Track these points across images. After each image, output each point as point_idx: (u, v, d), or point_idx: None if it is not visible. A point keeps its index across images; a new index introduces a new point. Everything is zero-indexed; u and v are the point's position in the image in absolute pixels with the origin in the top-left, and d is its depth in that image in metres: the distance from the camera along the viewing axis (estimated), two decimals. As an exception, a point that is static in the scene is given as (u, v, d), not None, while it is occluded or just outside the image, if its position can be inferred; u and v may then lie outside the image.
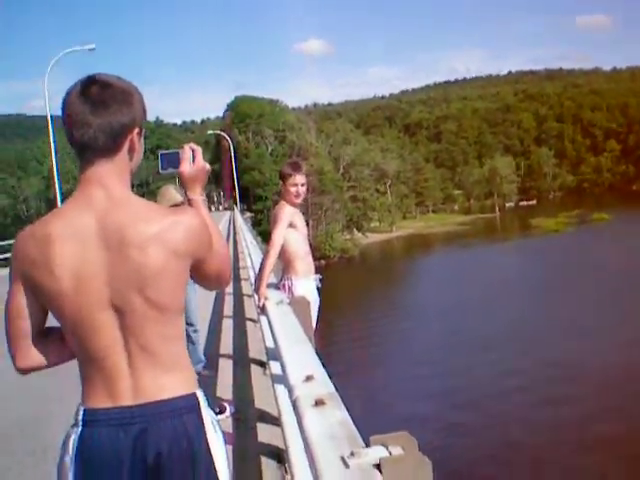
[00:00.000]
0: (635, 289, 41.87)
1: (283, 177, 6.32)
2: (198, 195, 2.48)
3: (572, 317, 35.85)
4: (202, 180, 2.50)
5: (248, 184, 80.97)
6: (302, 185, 6.28)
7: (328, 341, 27.78)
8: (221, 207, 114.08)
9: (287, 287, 6.15)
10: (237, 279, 16.50)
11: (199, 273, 2.28)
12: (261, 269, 6.19)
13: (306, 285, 6.22)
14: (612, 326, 33.45)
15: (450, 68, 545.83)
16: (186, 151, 2.49)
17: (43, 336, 2.24)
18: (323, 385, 2.76)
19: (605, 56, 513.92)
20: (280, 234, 6.03)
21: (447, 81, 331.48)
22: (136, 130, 2.20)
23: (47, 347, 2.24)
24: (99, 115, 2.09)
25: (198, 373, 7.84)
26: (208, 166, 2.53)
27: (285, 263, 6.28)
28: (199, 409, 2.17)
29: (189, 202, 2.48)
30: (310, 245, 6.54)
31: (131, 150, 2.21)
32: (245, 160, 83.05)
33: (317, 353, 3.57)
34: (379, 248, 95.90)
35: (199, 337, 7.94)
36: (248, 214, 72.80)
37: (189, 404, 2.15)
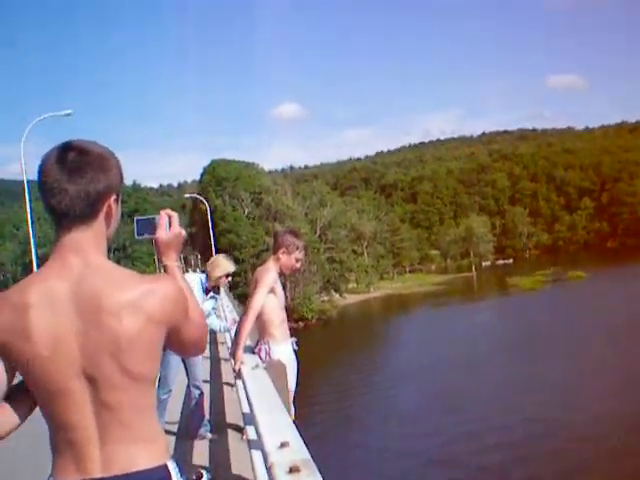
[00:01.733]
0: (612, 345, 42.04)
1: (287, 246, 6.27)
2: (173, 262, 2.47)
3: (550, 375, 35.81)
4: (178, 246, 2.49)
5: (225, 247, 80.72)
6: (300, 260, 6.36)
7: (307, 402, 27.48)
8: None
9: (264, 351, 6.11)
10: (214, 342, 16.38)
11: (175, 341, 2.25)
12: (238, 333, 6.15)
13: (283, 349, 6.19)
14: (589, 381, 33.56)
15: (424, 130, 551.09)
16: (162, 217, 2.48)
17: (9, 398, 2.16)
18: (298, 452, 2.74)
19: (577, 115, 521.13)
20: (260, 299, 6.01)
21: (422, 142, 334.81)
22: (113, 197, 2.19)
23: (16, 405, 2.17)
24: (76, 182, 2.08)
25: (203, 437, 7.94)
26: (184, 232, 2.52)
27: (261, 328, 6.25)
28: None
29: (164, 268, 2.47)
30: (287, 307, 6.54)
31: (108, 216, 2.20)
32: (222, 223, 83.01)
33: (294, 419, 3.54)
34: (357, 309, 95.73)
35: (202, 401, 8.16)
36: (226, 277, 72.66)
37: (161, 476, 2.11)
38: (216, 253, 70.70)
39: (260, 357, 6.02)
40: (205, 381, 12.21)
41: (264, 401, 4.07)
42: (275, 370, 5.13)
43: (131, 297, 2.06)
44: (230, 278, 8.17)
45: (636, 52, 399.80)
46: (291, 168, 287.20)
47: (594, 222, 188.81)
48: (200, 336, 2.35)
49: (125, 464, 2.06)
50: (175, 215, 2.51)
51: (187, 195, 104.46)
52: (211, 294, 8.17)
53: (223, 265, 8.02)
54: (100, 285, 2.07)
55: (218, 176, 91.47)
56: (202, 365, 7.99)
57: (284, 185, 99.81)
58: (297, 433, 3.12)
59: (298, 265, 6.35)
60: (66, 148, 2.14)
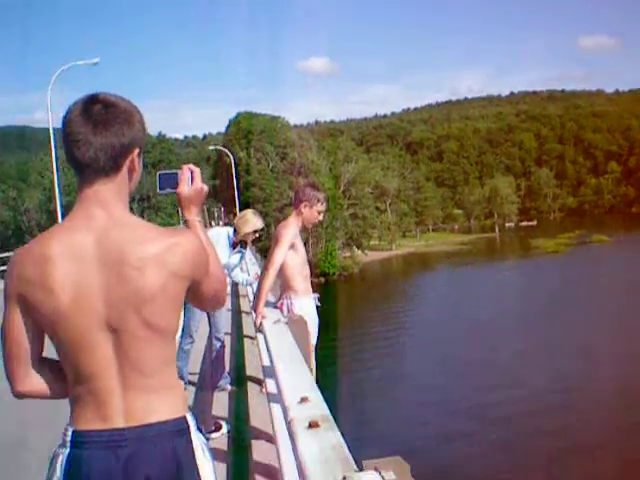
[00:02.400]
0: (633, 309, 41.91)
1: (309, 199, 6.26)
2: (194, 216, 2.49)
3: (570, 336, 35.80)
4: (199, 202, 2.51)
5: (249, 200, 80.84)
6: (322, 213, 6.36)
7: (328, 360, 27.62)
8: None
9: (286, 306, 6.14)
10: (236, 295, 16.45)
11: (195, 295, 2.28)
12: (259, 288, 6.16)
13: (305, 304, 6.21)
14: (612, 345, 33.48)
15: (452, 88, 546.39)
16: (184, 172, 2.50)
17: (42, 363, 2.22)
18: (318, 407, 2.76)
19: (608, 78, 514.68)
20: (281, 254, 6.00)
21: (449, 101, 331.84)
22: (136, 151, 2.20)
23: (46, 376, 2.22)
24: (101, 135, 2.09)
25: (223, 389, 8.04)
26: (206, 187, 2.53)
27: (284, 283, 6.27)
28: (189, 433, 2.16)
29: (185, 223, 2.49)
30: (310, 262, 6.55)
31: (131, 170, 2.21)
32: (246, 176, 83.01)
33: (314, 373, 3.56)
34: (379, 266, 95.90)
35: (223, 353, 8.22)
36: (248, 230, 72.78)
37: (179, 428, 2.15)
38: (239, 206, 70.95)
39: (282, 312, 6.05)
40: (227, 333, 12.28)
41: (285, 355, 4.10)
42: (297, 325, 5.15)
43: (154, 251, 2.08)
44: (258, 234, 8.18)
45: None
46: (317, 122, 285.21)
47: (620, 186, 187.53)
48: (220, 290, 2.39)
49: (145, 414, 2.10)
50: (197, 170, 2.52)
51: (212, 147, 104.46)
52: (238, 249, 8.19)
53: (252, 221, 8.03)
54: (124, 239, 2.09)
55: (243, 129, 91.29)
56: (225, 317, 8.06)
57: (309, 140, 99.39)
58: (317, 389, 3.14)
59: (320, 217, 6.37)
60: (92, 100, 2.15)
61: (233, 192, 69.33)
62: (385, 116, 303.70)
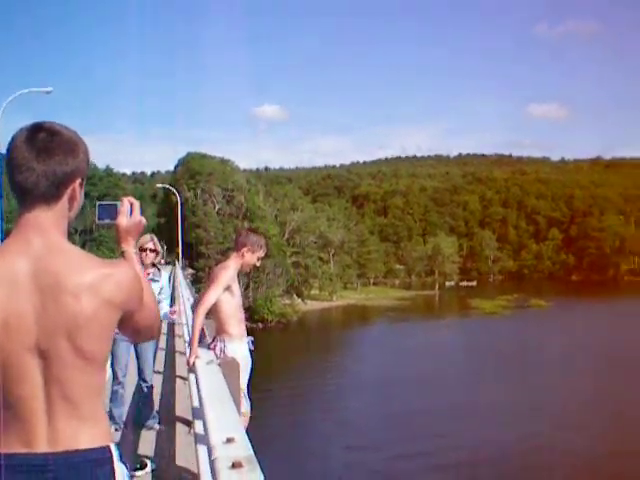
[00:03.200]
0: (566, 373, 42.56)
1: (252, 245, 6.35)
2: (131, 248, 2.54)
3: (501, 400, 36.12)
4: (137, 234, 2.56)
5: (192, 240, 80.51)
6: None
7: (256, 405, 27.46)
8: (163, 261, 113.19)
9: (219, 348, 6.15)
10: (172, 335, 16.33)
11: (128, 325, 2.31)
12: (192, 329, 6.20)
13: (239, 347, 6.23)
14: (544, 407, 33.96)
15: (401, 145, 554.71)
16: (124, 204, 2.54)
17: None
18: (242, 448, 2.79)
19: (555, 146, 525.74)
20: (215, 295, 6.07)
21: (398, 157, 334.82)
22: (78, 180, 2.24)
23: None
24: (44, 162, 2.13)
25: (151, 428, 7.91)
26: (144, 220, 2.58)
27: (218, 325, 6.30)
28: (112, 462, 2.17)
29: (122, 254, 2.53)
30: (249, 308, 6.61)
31: (72, 199, 2.24)
32: (191, 217, 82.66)
33: (246, 415, 3.58)
34: (318, 316, 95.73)
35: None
36: (190, 270, 72.34)
37: (103, 456, 2.16)
38: (182, 246, 70.32)
39: (215, 353, 6.06)
40: (158, 372, 12.20)
41: (215, 396, 4.11)
42: (229, 367, 5.17)
43: (90, 279, 2.11)
44: (161, 260, 7.92)
45: (619, 87, 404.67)
46: (266, 169, 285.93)
47: (560, 254, 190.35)
48: (152, 323, 2.43)
49: (70, 441, 2.11)
50: (137, 203, 2.58)
51: (159, 185, 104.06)
52: (150, 276, 7.84)
53: (140, 240, 7.56)
54: (60, 265, 2.11)
55: (192, 169, 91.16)
56: (152, 358, 7.99)
57: (257, 185, 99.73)
58: (243, 430, 3.17)
59: (258, 263, 6.45)
60: (37, 128, 2.19)
61: (177, 232, 69.04)
62: (334, 167, 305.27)
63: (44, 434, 2.10)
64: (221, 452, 2.74)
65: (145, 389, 8.06)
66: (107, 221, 2.56)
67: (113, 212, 2.54)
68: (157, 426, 8.14)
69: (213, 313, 6.25)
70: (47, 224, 2.17)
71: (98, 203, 2.57)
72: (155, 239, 7.57)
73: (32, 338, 2.07)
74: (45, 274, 2.09)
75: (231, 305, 6.21)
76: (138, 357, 8.03)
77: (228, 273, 6.19)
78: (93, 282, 2.11)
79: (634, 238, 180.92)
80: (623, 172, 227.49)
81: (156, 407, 8.42)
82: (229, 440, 2.86)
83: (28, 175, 2.13)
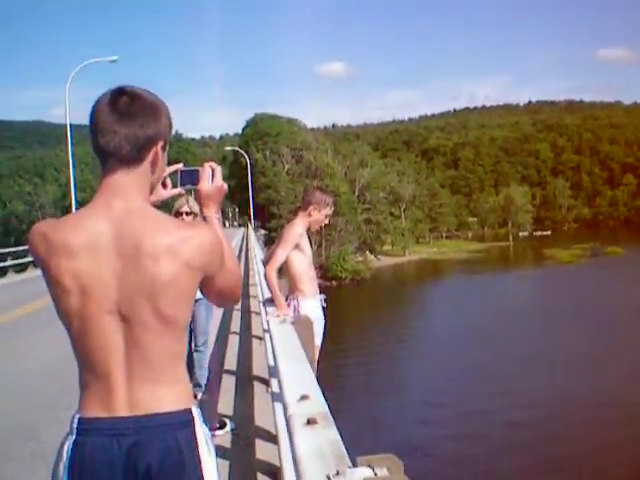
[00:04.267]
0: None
1: (318, 203, 6.34)
2: (213, 213, 2.52)
3: (580, 348, 35.72)
4: (219, 199, 2.55)
5: (263, 202, 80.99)
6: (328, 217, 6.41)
7: (331, 363, 27.66)
8: (235, 223, 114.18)
9: (293, 306, 6.18)
10: (246, 296, 16.51)
11: (208, 289, 2.32)
12: (271, 288, 6.20)
13: (312, 305, 6.25)
14: (617, 357, 33.49)
15: (469, 95, 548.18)
16: (206, 169, 2.54)
17: None
18: (317, 405, 2.79)
19: (626, 90, 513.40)
20: (284, 253, 6.08)
21: (466, 108, 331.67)
22: (160, 143, 2.24)
23: None
24: (126, 125, 2.15)
25: (195, 397, 7.66)
26: (226, 186, 2.58)
27: (290, 283, 6.32)
28: (193, 425, 2.18)
29: (204, 219, 2.53)
30: (322, 266, 6.61)
31: (154, 163, 2.25)
32: (261, 178, 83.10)
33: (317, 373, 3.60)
34: (391, 271, 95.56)
35: (204, 359, 7.63)
36: (262, 231, 72.71)
37: (184, 419, 2.17)
38: (254, 207, 70.78)
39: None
40: (235, 333, 12.39)
41: (289, 355, 4.13)
42: (302, 325, 5.18)
43: (169, 242, 2.11)
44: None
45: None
46: (333, 126, 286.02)
47: (636, 199, 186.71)
48: (234, 286, 2.41)
49: (150, 405, 2.13)
50: (218, 168, 2.57)
51: (228, 148, 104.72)
52: None
53: (175, 204, 7.38)
54: (141, 228, 2.12)
55: (260, 130, 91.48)
56: (204, 320, 7.61)
57: (325, 143, 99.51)
58: (318, 387, 3.18)
59: (327, 221, 6.43)
60: (120, 92, 2.20)
61: (248, 193, 69.48)
62: (402, 122, 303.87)
63: (124, 398, 2.12)
64: (296, 409, 2.75)
65: (195, 355, 7.52)
66: (189, 186, 2.56)
67: (195, 177, 2.54)
68: (200, 395, 7.58)
69: (284, 272, 6.26)
70: (129, 188, 2.18)
71: (180, 169, 2.56)
72: (192, 201, 7.34)
73: (112, 302, 2.09)
74: (125, 238, 2.11)
75: (302, 263, 6.22)
76: (192, 321, 7.61)
77: (296, 231, 6.18)
78: (172, 244, 2.11)
79: None
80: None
81: (205, 374, 7.86)
82: (303, 397, 2.87)
83: (110, 138, 2.15)
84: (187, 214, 7.27)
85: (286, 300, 6.25)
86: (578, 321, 44.43)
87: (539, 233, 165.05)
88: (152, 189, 2.33)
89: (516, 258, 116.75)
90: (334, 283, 72.95)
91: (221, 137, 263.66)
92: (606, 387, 28.70)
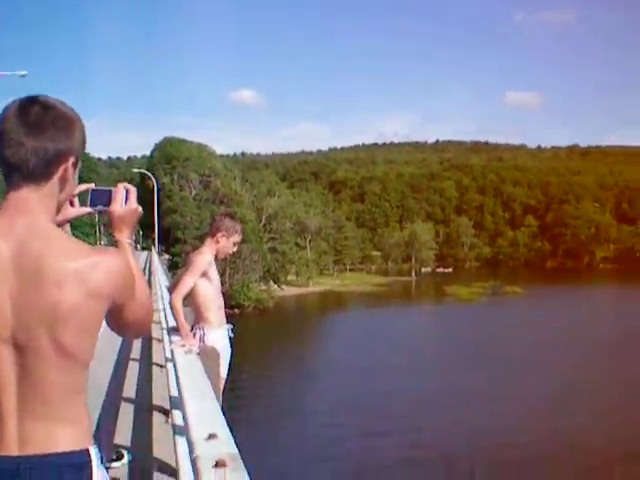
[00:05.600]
0: (537, 360, 42.97)
1: (227, 230, 6.17)
2: (126, 237, 2.35)
3: (468, 384, 36.36)
4: (132, 223, 2.37)
5: (169, 226, 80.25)
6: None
7: (233, 394, 27.44)
8: (139, 246, 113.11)
9: (199, 336, 6.01)
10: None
11: (115, 320, 2.13)
12: (176, 316, 6.03)
13: (219, 335, 6.10)
14: (515, 394, 34.20)
15: (378, 131, 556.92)
16: (119, 190, 2.36)
17: None
18: (225, 444, 2.65)
19: (531, 134, 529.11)
20: (190, 281, 5.93)
21: (375, 143, 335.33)
22: (72, 160, 2.06)
23: None
24: (35, 137, 1.96)
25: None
26: (140, 209, 2.40)
27: (197, 312, 6.16)
28: (90, 467, 1.99)
29: (116, 244, 2.34)
30: (225, 293, 6.48)
31: (63, 180, 2.06)
32: (168, 202, 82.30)
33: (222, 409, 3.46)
34: (295, 301, 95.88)
35: None
36: (166, 256, 72.04)
37: (80, 461, 1.96)
38: (158, 231, 70.04)
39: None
40: (134, 359, 12.07)
41: (195, 387, 3.96)
42: (208, 356, 5.04)
43: (75, 267, 1.92)
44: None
45: (595, 76, 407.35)
46: (243, 154, 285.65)
47: (536, 240, 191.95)
48: (145, 317, 2.23)
49: (43, 443, 1.92)
50: (133, 189, 2.40)
51: (135, 170, 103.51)
52: None
53: None
54: (44, 250, 1.93)
55: (169, 154, 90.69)
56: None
57: (234, 170, 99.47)
58: (226, 424, 3.03)
59: (235, 249, 6.30)
60: (31, 101, 2.02)
61: (153, 217, 68.75)
62: (311, 153, 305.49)
63: (15, 435, 1.92)
64: (203, 449, 2.60)
65: None
66: (100, 207, 2.37)
67: (107, 198, 2.36)
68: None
69: (190, 301, 6.10)
70: (34, 205, 1.99)
71: (91, 188, 2.37)
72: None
73: (7, 329, 1.89)
74: (26, 260, 1.91)
75: (209, 292, 6.07)
76: None
77: (204, 258, 6.03)
78: (78, 270, 1.92)
79: (609, 226, 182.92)
80: (599, 160, 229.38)
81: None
82: (211, 436, 2.72)
83: (16, 150, 1.95)
84: None
85: (192, 329, 6.08)
86: (474, 358, 45.19)
87: (441, 270, 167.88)
88: (59, 209, 2.14)
89: (418, 293, 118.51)
90: (237, 311, 72.78)
91: (129, 158, 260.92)
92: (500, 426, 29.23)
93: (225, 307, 6.45)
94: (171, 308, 6.24)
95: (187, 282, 5.92)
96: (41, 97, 2.05)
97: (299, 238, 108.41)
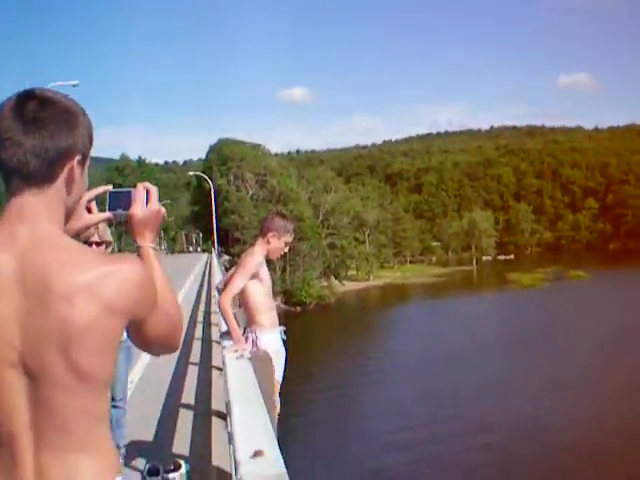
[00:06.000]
0: (602, 348, 42.12)
1: (277, 230, 5.94)
2: (148, 243, 2.09)
3: (545, 372, 35.83)
4: (155, 226, 2.11)
5: (227, 227, 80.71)
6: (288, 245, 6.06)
7: (296, 389, 27.32)
8: (199, 249, 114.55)
9: (251, 340, 5.82)
10: (207, 324, 16.18)
11: (138, 335, 1.89)
12: (227, 319, 5.84)
13: (271, 338, 5.89)
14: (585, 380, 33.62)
15: (432, 121, 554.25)
16: (139, 191, 2.11)
17: None
18: (272, 464, 2.43)
19: (587, 115, 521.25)
20: (240, 282, 5.70)
21: (429, 133, 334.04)
22: (77, 158, 1.81)
23: None
24: (33, 135, 1.73)
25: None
26: (163, 210, 2.13)
27: (248, 315, 5.94)
28: None
29: (137, 250, 2.09)
30: (286, 291, 6.28)
31: (69, 182, 1.82)
32: (225, 203, 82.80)
33: (278, 413, 3.26)
34: (356, 296, 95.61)
35: (123, 417, 6.46)
36: (226, 257, 72.36)
37: None
38: (217, 233, 70.52)
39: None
40: (194, 364, 11.98)
41: (244, 398, 3.76)
42: (260, 362, 4.84)
43: (87, 279, 1.69)
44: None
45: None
46: (297, 152, 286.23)
47: (597, 223, 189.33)
48: (171, 332, 1.97)
49: (62, 478, 1.70)
50: (154, 189, 2.13)
51: (191, 173, 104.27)
52: None
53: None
54: (51, 262, 1.70)
55: (224, 155, 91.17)
56: (123, 369, 6.36)
57: (289, 168, 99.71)
58: (274, 439, 2.81)
59: (286, 249, 6.06)
60: (27, 95, 1.77)
61: (211, 219, 69.20)
62: (365, 147, 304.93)
63: (31, 469, 1.70)
64: (248, 470, 2.39)
65: (112, 411, 6.03)
66: (120, 211, 2.14)
67: (126, 201, 2.11)
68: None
69: (241, 303, 5.90)
70: (38, 211, 1.76)
71: (109, 191, 2.14)
72: (103, 228, 5.97)
73: (15, 352, 1.68)
74: (32, 273, 1.69)
75: (260, 294, 5.86)
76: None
77: (255, 259, 5.81)
78: (90, 282, 1.69)
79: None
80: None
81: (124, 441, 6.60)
82: (257, 453, 2.51)
83: (14, 151, 1.73)
84: (97, 244, 5.95)
85: (244, 333, 5.88)
86: (543, 346, 44.51)
87: (502, 257, 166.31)
88: (69, 214, 1.90)
89: (480, 282, 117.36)
90: (298, 308, 72.89)
91: (185, 162, 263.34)
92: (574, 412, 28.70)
93: (287, 304, 6.25)
94: (220, 311, 6.05)
95: (237, 283, 5.72)
96: (38, 90, 1.82)
97: (357, 232, 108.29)
